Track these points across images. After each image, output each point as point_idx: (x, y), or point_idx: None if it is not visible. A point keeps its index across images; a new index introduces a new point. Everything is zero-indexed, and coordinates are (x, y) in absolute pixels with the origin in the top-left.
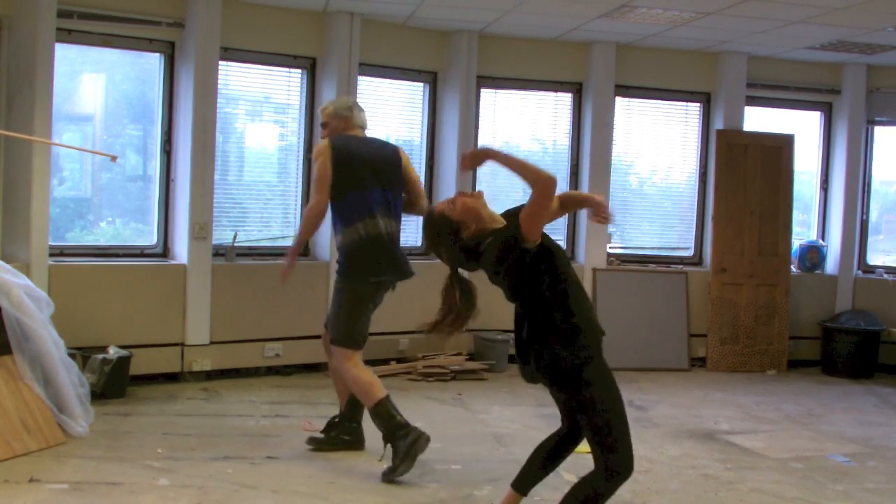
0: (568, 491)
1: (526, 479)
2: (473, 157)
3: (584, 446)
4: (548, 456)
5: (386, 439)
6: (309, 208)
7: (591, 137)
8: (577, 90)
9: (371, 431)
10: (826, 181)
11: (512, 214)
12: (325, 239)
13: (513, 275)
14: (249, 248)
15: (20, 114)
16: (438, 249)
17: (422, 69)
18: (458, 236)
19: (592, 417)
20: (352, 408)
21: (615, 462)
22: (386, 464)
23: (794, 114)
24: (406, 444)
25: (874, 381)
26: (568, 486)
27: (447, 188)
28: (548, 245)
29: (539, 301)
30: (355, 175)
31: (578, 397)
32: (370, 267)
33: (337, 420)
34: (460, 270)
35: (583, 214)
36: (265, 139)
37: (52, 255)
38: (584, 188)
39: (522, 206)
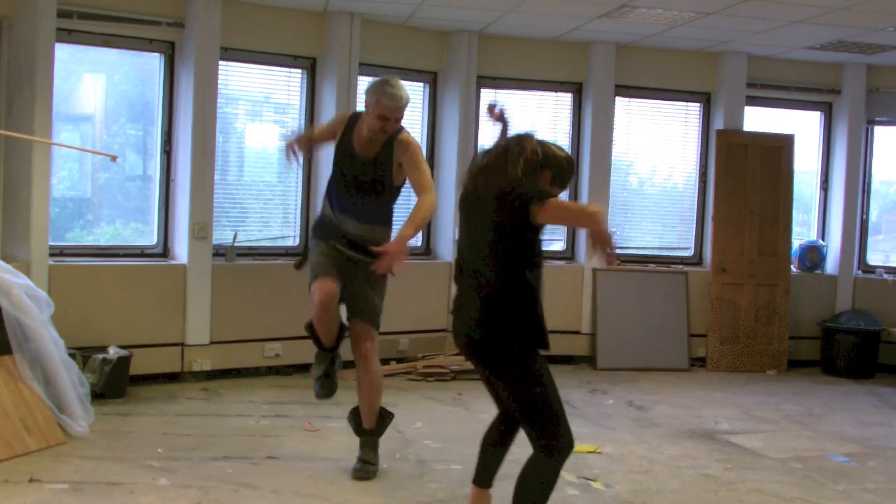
0: (516, 485)
1: (484, 473)
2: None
3: (583, 446)
4: (494, 444)
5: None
6: (433, 202)
7: (591, 137)
8: (577, 90)
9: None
10: (826, 181)
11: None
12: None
13: (506, 229)
14: (249, 248)
15: (20, 114)
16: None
17: (422, 69)
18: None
19: (524, 396)
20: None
21: (554, 437)
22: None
23: (794, 114)
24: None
25: (874, 381)
26: (568, 486)
27: (447, 188)
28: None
29: (506, 268)
30: None
31: (511, 376)
32: None
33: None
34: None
35: None
36: (265, 139)
37: (52, 255)
38: (585, 188)
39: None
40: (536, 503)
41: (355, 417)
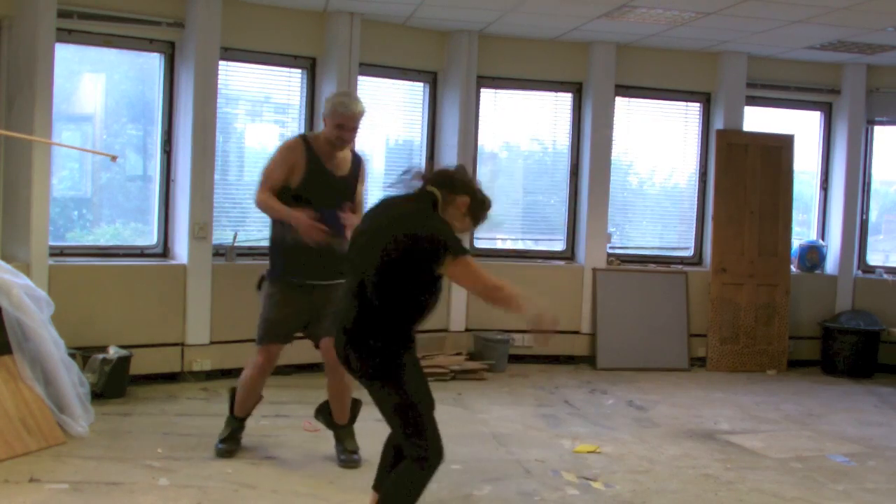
0: (385, 488)
1: (386, 478)
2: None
3: (583, 446)
4: (396, 451)
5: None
6: None
7: (591, 137)
8: (577, 90)
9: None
10: (826, 181)
11: (448, 236)
12: None
13: (404, 264)
14: (249, 248)
15: (20, 114)
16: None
17: (422, 69)
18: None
19: (397, 409)
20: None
21: (424, 449)
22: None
23: (794, 114)
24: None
25: (874, 381)
26: (568, 486)
27: None
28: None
29: (395, 295)
30: None
31: (385, 389)
32: None
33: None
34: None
35: (583, 215)
36: (265, 139)
37: (52, 255)
38: (584, 188)
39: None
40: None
41: (325, 414)
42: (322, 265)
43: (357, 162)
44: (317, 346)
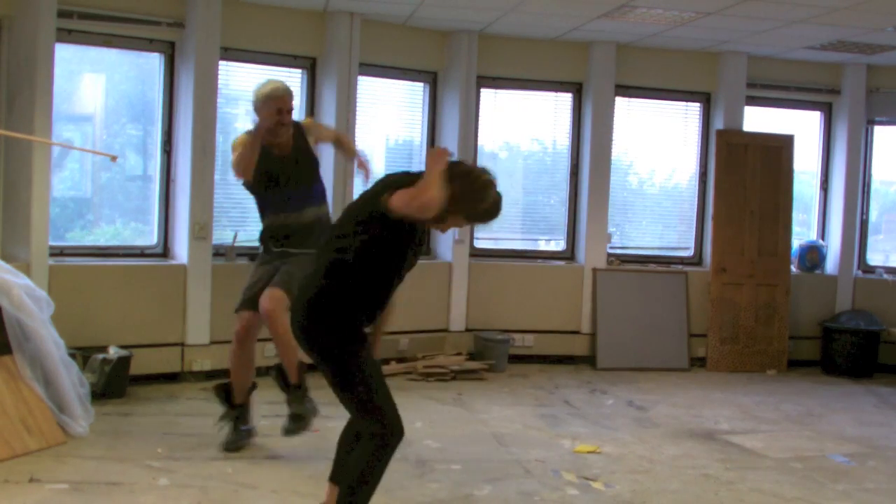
0: (346, 469)
1: (338, 469)
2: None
3: (583, 446)
4: (356, 440)
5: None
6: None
7: (591, 137)
8: (577, 90)
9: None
10: (826, 181)
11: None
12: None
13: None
14: (249, 248)
15: (20, 114)
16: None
17: (422, 69)
18: None
19: (352, 387)
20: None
21: (382, 425)
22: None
23: (794, 114)
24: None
25: (874, 381)
26: (568, 486)
27: None
28: (399, 230)
29: (363, 267)
30: None
31: (337, 369)
32: None
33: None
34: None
35: (583, 215)
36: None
37: (52, 255)
38: (584, 188)
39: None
40: (367, 482)
41: (281, 376)
42: (299, 235)
43: (297, 128)
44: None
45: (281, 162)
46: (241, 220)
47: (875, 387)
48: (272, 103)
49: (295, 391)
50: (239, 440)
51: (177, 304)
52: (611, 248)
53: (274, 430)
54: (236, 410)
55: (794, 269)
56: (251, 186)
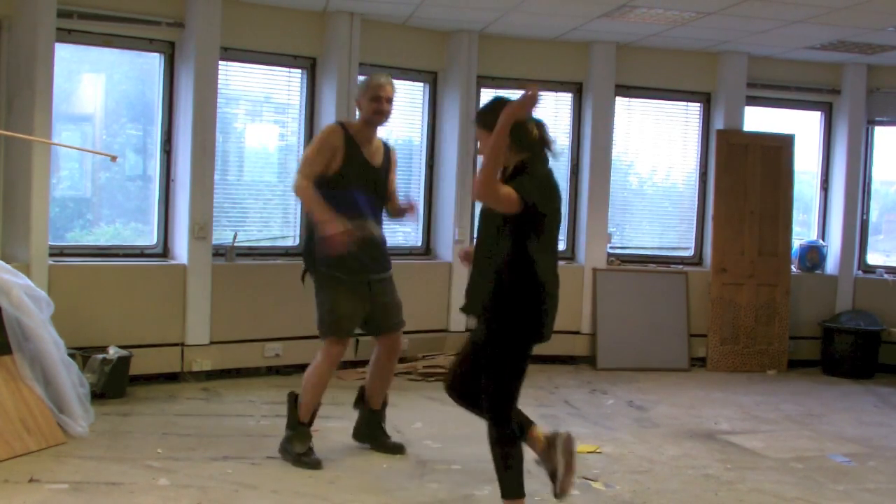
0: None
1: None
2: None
3: (583, 446)
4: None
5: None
6: None
7: (591, 137)
8: (577, 90)
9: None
10: (826, 181)
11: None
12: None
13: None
14: (249, 248)
15: (20, 114)
16: None
17: (422, 69)
18: None
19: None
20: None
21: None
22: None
23: (794, 114)
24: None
25: (874, 381)
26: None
27: (447, 188)
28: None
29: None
30: None
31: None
32: None
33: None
34: None
35: (583, 215)
36: (265, 139)
37: (52, 255)
38: (585, 188)
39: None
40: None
41: (362, 404)
42: (371, 257)
43: (388, 151)
44: (377, 337)
45: (372, 166)
46: (240, 220)
47: (875, 387)
48: (370, 91)
49: (372, 413)
50: (316, 456)
51: (177, 305)
52: (611, 248)
53: (274, 430)
54: (308, 427)
55: (794, 269)
56: (337, 176)
